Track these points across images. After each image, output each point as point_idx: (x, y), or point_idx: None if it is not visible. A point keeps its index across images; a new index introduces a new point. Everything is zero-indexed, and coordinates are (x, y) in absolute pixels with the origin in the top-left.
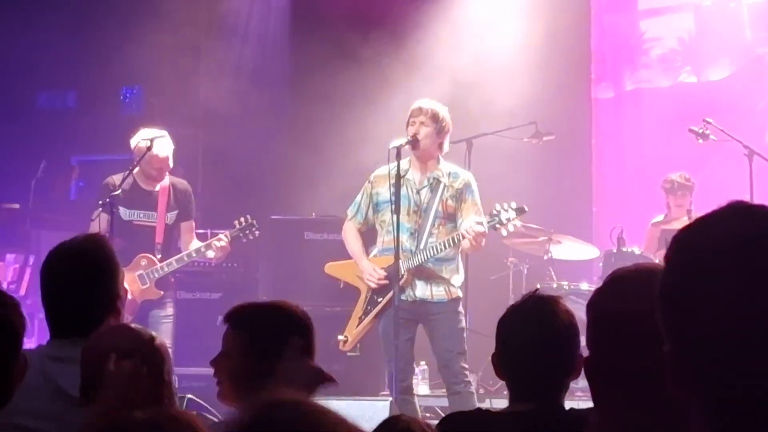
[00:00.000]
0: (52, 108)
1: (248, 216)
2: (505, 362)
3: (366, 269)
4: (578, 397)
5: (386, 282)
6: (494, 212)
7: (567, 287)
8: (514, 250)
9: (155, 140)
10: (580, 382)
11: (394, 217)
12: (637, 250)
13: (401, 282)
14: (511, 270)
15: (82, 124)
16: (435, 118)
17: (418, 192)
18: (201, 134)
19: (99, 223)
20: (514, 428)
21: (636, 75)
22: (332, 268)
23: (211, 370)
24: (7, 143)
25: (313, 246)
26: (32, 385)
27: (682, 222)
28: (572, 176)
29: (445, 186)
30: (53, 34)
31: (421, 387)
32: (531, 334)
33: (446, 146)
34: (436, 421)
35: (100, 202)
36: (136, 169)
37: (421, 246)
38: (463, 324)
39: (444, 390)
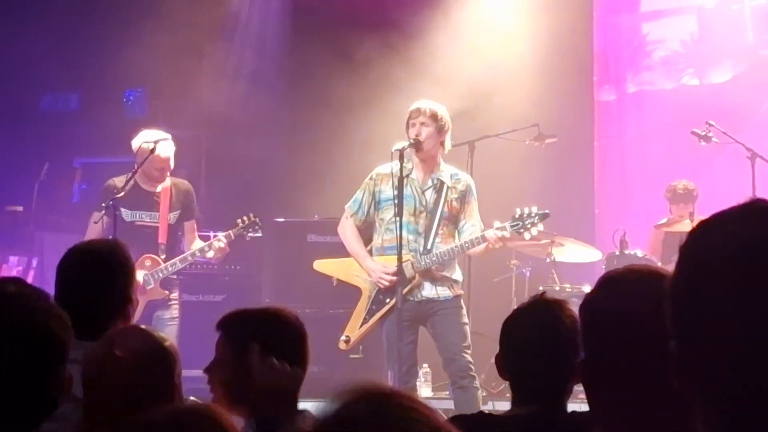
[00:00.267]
0: (55, 110)
1: (251, 214)
2: (508, 364)
3: (374, 269)
4: (581, 400)
5: (397, 281)
6: (517, 216)
7: (569, 290)
8: (516, 252)
9: (158, 143)
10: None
11: (397, 219)
12: (639, 253)
13: (413, 283)
14: (514, 272)
15: (85, 127)
16: (434, 117)
17: (423, 192)
18: (204, 136)
19: (102, 226)
20: (517, 431)
21: (639, 77)
22: (322, 265)
23: None
24: (10, 146)
25: (317, 248)
26: None
27: (686, 225)
28: (575, 178)
29: (448, 188)
30: (56, 36)
31: (423, 389)
32: (535, 337)
33: (448, 144)
34: None
35: (104, 204)
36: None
37: (428, 246)
38: (466, 320)
39: (447, 393)
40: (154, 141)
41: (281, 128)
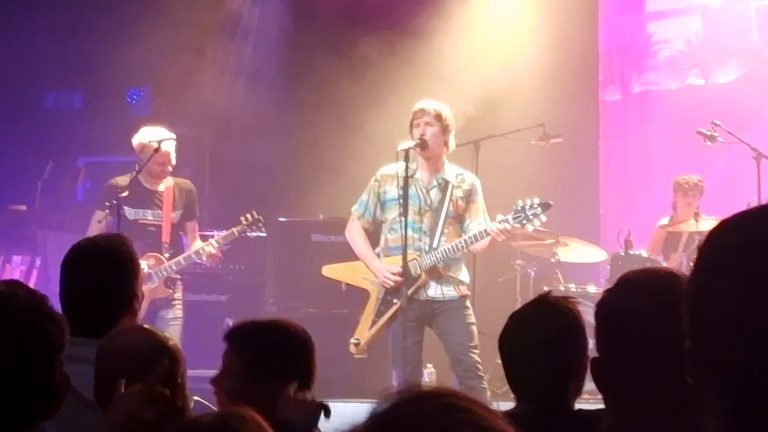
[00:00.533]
0: (59, 109)
1: (254, 212)
2: (510, 364)
3: (380, 270)
4: (585, 399)
5: (402, 281)
6: (519, 208)
7: (574, 290)
8: (521, 252)
9: (162, 142)
10: (589, 384)
11: (402, 219)
12: (644, 253)
13: (419, 283)
14: (519, 272)
15: (88, 126)
16: (439, 117)
17: (428, 192)
18: (208, 136)
19: (106, 225)
20: (519, 428)
21: (644, 77)
22: (331, 270)
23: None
24: (13, 144)
25: (321, 248)
26: None
27: (690, 224)
28: (579, 178)
29: (453, 187)
30: (60, 35)
31: None
32: (538, 338)
33: (452, 144)
34: None
35: (107, 203)
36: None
37: (434, 245)
38: (473, 319)
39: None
40: (158, 140)
41: (285, 128)
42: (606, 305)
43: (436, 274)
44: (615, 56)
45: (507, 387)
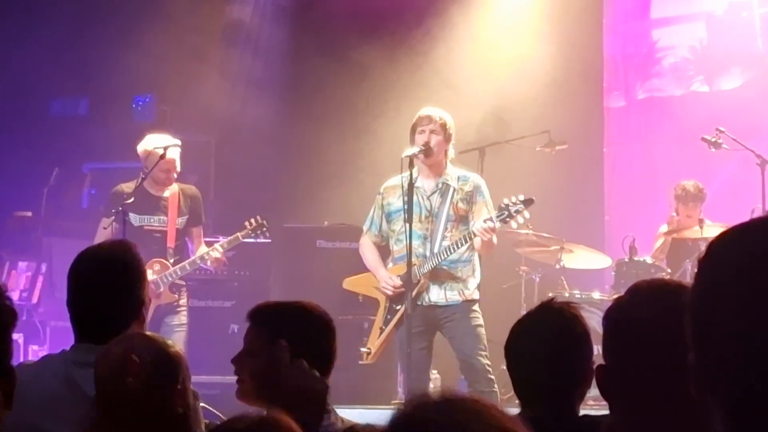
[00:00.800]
0: (65, 116)
1: (258, 216)
2: (515, 371)
3: (382, 278)
4: (590, 406)
5: (402, 289)
6: (503, 206)
7: (579, 296)
8: (526, 258)
9: (168, 148)
10: (593, 391)
11: (407, 225)
12: (649, 260)
13: (418, 287)
14: (523, 279)
15: (94, 132)
16: (444, 126)
17: (428, 198)
18: (213, 142)
19: (111, 232)
20: None
21: (648, 84)
22: (350, 283)
23: (223, 378)
24: (19, 151)
25: (326, 254)
26: (57, 391)
27: (694, 231)
28: (584, 185)
29: (454, 189)
30: (65, 41)
31: None
32: (544, 344)
33: (451, 152)
34: None
35: (113, 210)
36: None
37: (435, 250)
38: (481, 322)
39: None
40: (164, 146)
41: (290, 134)
42: (615, 312)
43: (437, 278)
44: (620, 63)
45: (511, 393)
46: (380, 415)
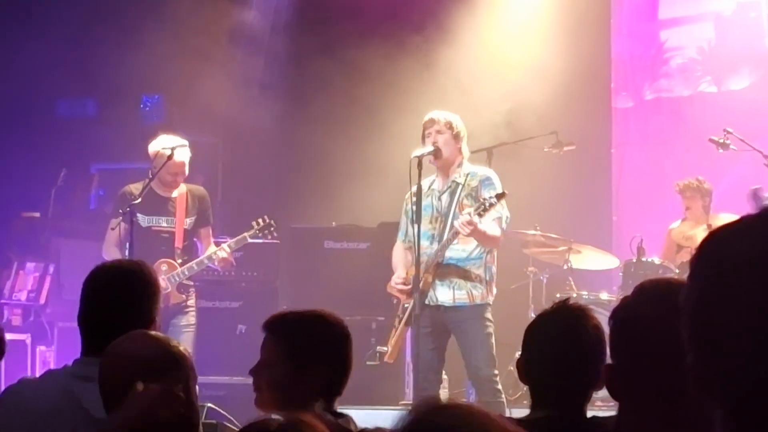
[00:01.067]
0: (72, 116)
1: (266, 216)
2: (530, 368)
3: (393, 278)
4: (597, 407)
5: (407, 288)
6: (480, 200)
7: (587, 297)
8: (533, 259)
9: (176, 149)
10: (600, 392)
11: (414, 226)
12: (657, 260)
13: (422, 286)
14: (531, 279)
15: (102, 133)
16: (449, 124)
17: (439, 198)
18: (221, 143)
19: (119, 232)
20: None
21: (656, 84)
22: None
23: (230, 379)
24: (27, 151)
25: (333, 255)
26: (56, 405)
27: (704, 230)
28: (592, 186)
29: (462, 186)
30: (73, 42)
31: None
32: (559, 342)
33: (465, 151)
34: None
35: (120, 211)
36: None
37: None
38: (490, 330)
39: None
40: (172, 147)
41: (297, 135)
42: (621, 312)
43: (445, 276)
44: (627, 63)
45: (519, 394)
46: (387, 415)
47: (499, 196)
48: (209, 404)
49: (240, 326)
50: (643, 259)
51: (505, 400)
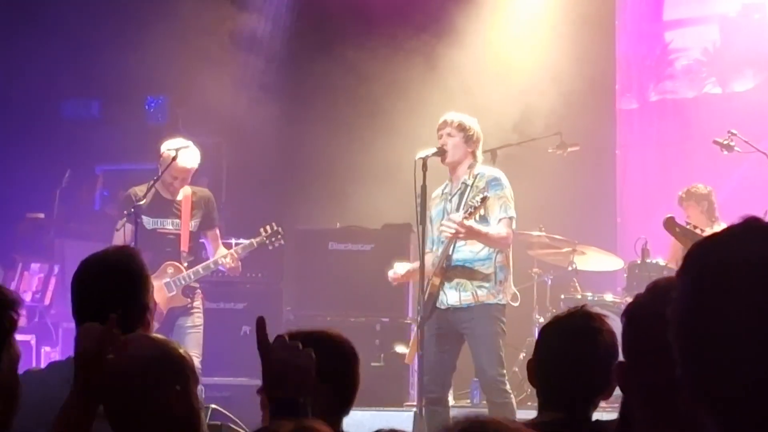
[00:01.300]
0: (77, 117)
1: (274, 224)
2: (540, 369)
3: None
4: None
5: (402, 279)
6: (467, 204)
7: (591, 298)
8: (538, 260)
9: (180, 150)
10: None
11: (419, 228)
12: (661, 262)
13: (429, 289)
14: (535, 281)
15: (106, 134)
16: (461, 127)
17: (450, 201)
18: (225, 144)
19: (124, 234)
20: None
21: (661, 86)
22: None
23: (235, 380)
24: (31, 153)
25: (338, 256)
26: (62, 396)
27: (709, 232)
28: (596, 187)
29: (470, 188)
30: (77, 43)
31: None
32: (572, 346)
33: (479, 156)
34: None
35: (125, 212)
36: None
37: (450, 252)
38: (497, 329)
39: (468, 402)
40: (176, 149)
41: (302, 137)
42: (635, 309)
43: (452, 277)
44: (632, 65)
45: (524, 395)
46: (392, 417)
47: (483, 200)
48: (213, 405)
49: (244, 327)
50: (648, 260)
51: (513, 401)
